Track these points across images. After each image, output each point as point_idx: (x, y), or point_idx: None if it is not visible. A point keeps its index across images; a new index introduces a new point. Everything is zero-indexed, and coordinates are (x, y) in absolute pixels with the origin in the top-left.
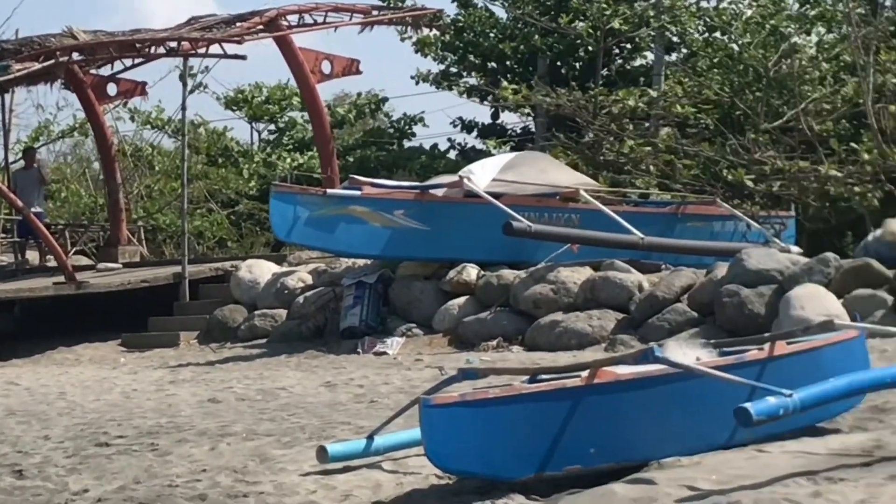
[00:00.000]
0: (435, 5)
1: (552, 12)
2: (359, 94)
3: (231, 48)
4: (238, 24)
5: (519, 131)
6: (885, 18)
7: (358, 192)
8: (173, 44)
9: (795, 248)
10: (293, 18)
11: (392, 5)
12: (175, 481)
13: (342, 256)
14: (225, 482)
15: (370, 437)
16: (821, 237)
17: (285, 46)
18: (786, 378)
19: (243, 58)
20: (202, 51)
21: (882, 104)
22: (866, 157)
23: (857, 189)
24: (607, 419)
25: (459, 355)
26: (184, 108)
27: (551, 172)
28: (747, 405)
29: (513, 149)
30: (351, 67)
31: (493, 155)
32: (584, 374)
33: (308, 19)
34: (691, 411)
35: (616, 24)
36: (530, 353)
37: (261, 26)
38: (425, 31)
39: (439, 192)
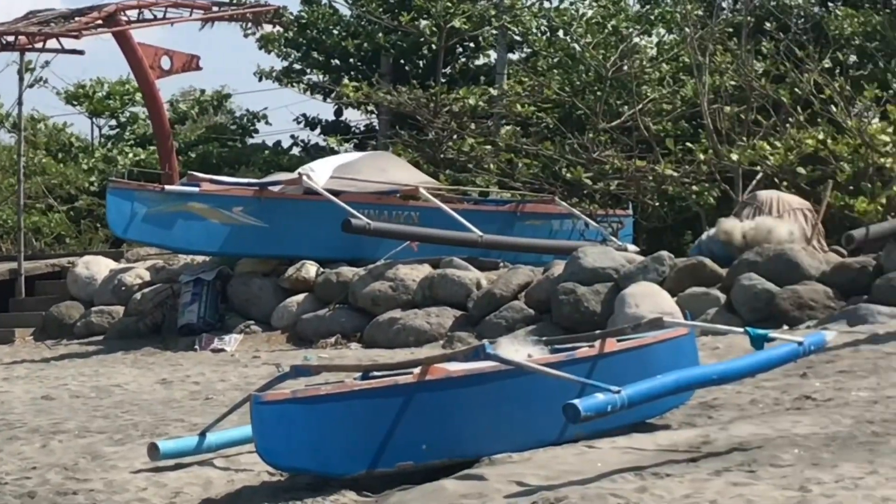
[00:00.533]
0: (278, 2)
1: (395, 10)
2: (202, 91)
3: (69, 43)
4: (77, 18)
5: (362, 129)
6: (722, 20)
7: (196, 189)
8: (10, 38)
9: (632, 247)
10: (133, 14)
11: (234, 2)
12: (4, 479)
13: (180, 253)
14: (55, 479)
15: (202, 435)
16: (660, 236)
17: (124, 42)
18: (615, 375)
19: (81, 52)
20: (39, 45)
21: (718, 105)
22: (701, 156)
23: (694, 188)
24: (439, 416)
25: (297, 352)
26: (20, 102)
27: (392, 171)
28: (576, 401)
29: (356, 146)
30: (191, 63)
31: (336, 152)
32: (416, 371)
33: (148, 15)
34: (522, 408)
35: (457, 22)
36: (368, 350)
37: (99, 21)
38: (267, 27)
39: (279, 189)
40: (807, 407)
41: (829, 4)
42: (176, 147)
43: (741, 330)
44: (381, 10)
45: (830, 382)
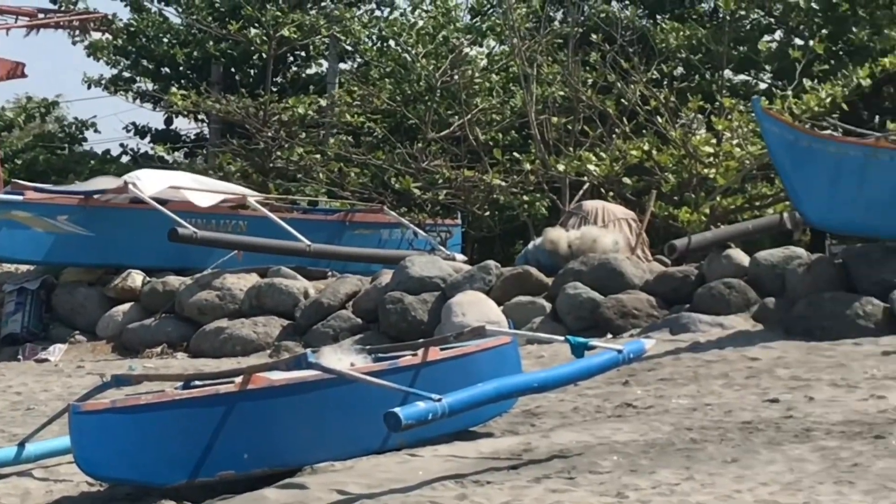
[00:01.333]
0: (108, 9)
1: (226, 19)
2: (29, 98)
3: None
4: None
5: (193, 137)
6: (550, 32)
7: (20, 197)
8: None
9: (460, 256)
10: None
11: (61, 8)
12: None
13: (4, 262)
14: None
15: (21, 445)
16: (490, 245)
17: None
18: (438, 383)
19: None
20: None
21: (546, 115)
22: (529, 166)
23: (525, 198)
24: (260, 425)
25: (123, 362)
26: None
27: (217, 186)
28: (397, 410)
29: (185, 155)
30: (16, 71)
31: (165, 160)
32: (238, 380)
33: None
34: (345, 416)
35: (287, 32)
36: (195, 359)
37: None
38: (96, 35)
39: (105, 198)
40: (628, 414)
41: (656, 17)
42: (1, 155)
43: (562, 338)
44: (210, 18)
45: (651, 390)
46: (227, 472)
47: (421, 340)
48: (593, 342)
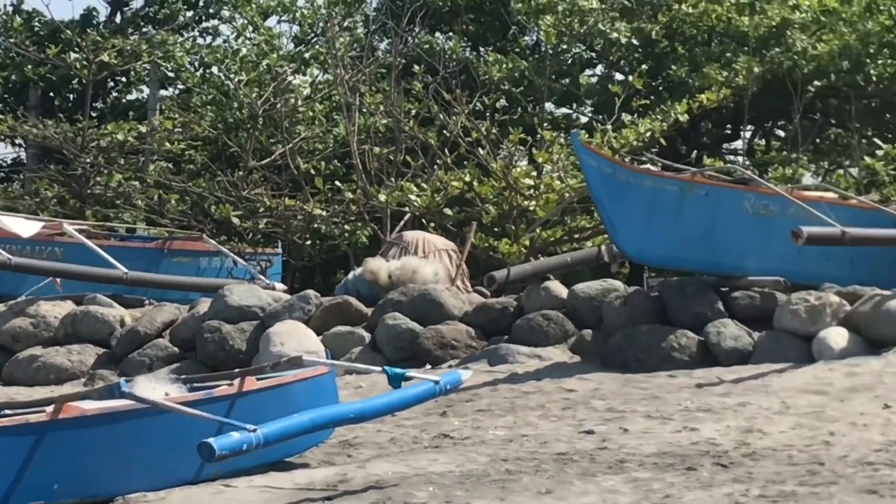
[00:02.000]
0: None
1: (45, 42)
2: None
3: None
4: None
5: (9, 162)
6: (373, 62)
7: None
8: None
9: (280, 286)
10: None
11: None
12: None
13: None
14: None
15: None
16: (311, 275)
17: None
18: (254, 413)
19: None
20: None
21: (368, 145)
22: (350, 196)
23: (346, 227)
24: (71, 454)
25: None
26: None
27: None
28: (211, 440)
29: (2, 180)
30: None
31: None
32: (49, 409)
33: None
34: (159, 446)
35: (107, 57)
36: (7, 388)
37: None
38: None
39: None
40: (445, 445)
41: (480, 49)
42: None
43: (380, 369)
44: (29, 42)
45: (469, 421)
46: (37, 502)
47: (237, 370)
48: (410, 373)
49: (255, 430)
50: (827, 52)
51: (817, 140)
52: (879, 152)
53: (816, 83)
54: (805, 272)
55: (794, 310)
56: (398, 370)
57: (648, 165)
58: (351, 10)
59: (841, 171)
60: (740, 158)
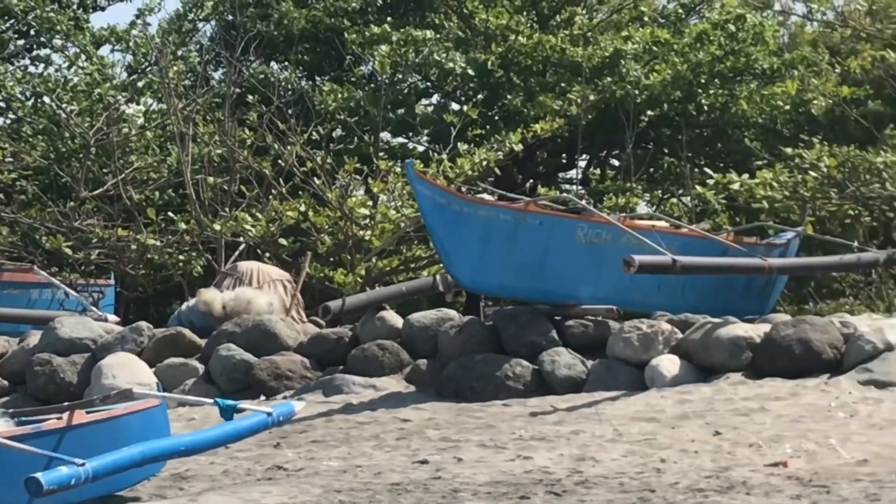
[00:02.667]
0: None
1: None
2: None
3: None
4: None
5: None
6: (208, 91)
7: None
8: None
9: (113, 317)
10: None
11: None
12: None
13: None
14: None
15: None
16: (146, 306)
17: None
18: (84, 447)
19: None
20: None
21: (202, 175)
22: (184, 226)
23: (180, 258)
24: None
25: None
26: None
27: None
28: (38, 475)
29: None
30: None
31: None
32: None
33: None
34: None
35: None
36: None
37: None
38: None
39: None
40: (278, 477)
41: (315, 79)
42: None
43: (211, 401)
44: None
45: (303, 452)
46: None
47: (66, 404)
48: (242, 404)
49: (83, 465)
50: (659, 81)
51: (651, 169)
52: (710, 181)
53: (649, 113)
54: (637, 300)
55: (627, 338)
56: (230, 402)
57: (484, 195)
58: (185, 40)
59: (674, 200)
60: (576, 188)
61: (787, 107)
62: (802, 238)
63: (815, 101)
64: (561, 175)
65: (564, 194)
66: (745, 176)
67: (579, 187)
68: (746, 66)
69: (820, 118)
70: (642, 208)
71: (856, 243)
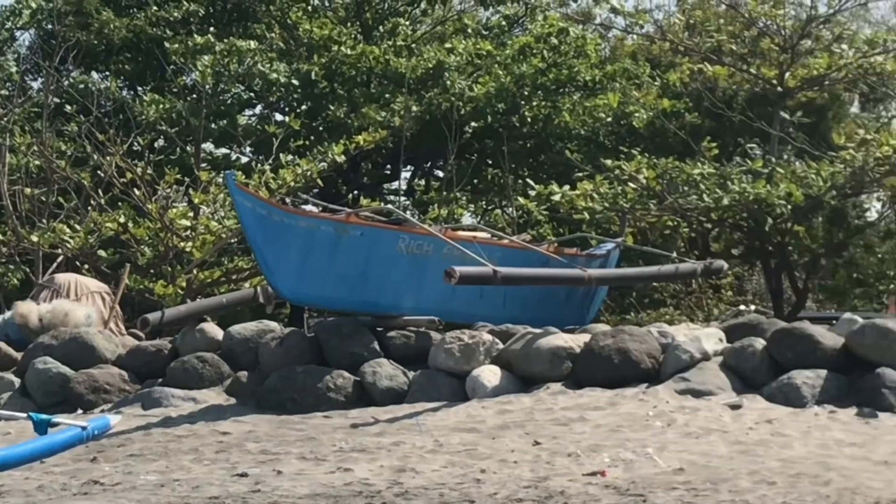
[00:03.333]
0: None
1: None
2: None
3: None
4: None
5: None
6: (26, 100)
7: None
8: None
9: None
10: None
11: None
12: None
13: None
14: None
15: None
16: None
17: None
18: None
19: None
20: None
21: (19, 186)
22: (0, 237)
23: None
24: None
25: None
26: None
27: None
28: None
29: None
30: None
31: None
32: None
33: None
34: None
35: None
36: None
37: None
38: None
39: None
40: (94, 492)
41: (137, 89)
42: None
43: (25, 415)
44: None
45: (120, 466)
46: None
47: None
48: (57, 419)
49: None
50: (483, 93)
51: (475, 180)
52: (532, 192)
53: (473, 124)
54: (459, 311)
55: (449, 349)
56: (43, 416)
57: (311, 206)
58: (2, 48)
59: (498, 211)
60: (400, 199)
61: (609, 119)
62: (623, 249)
63: (636, 114)
64: (386, 186)
65: (386, 205)
66: (567, 187)
67: (404, 198)
68: (569, 78)
69: (641, 130)
70: (467, 219)
71: (674, 254)
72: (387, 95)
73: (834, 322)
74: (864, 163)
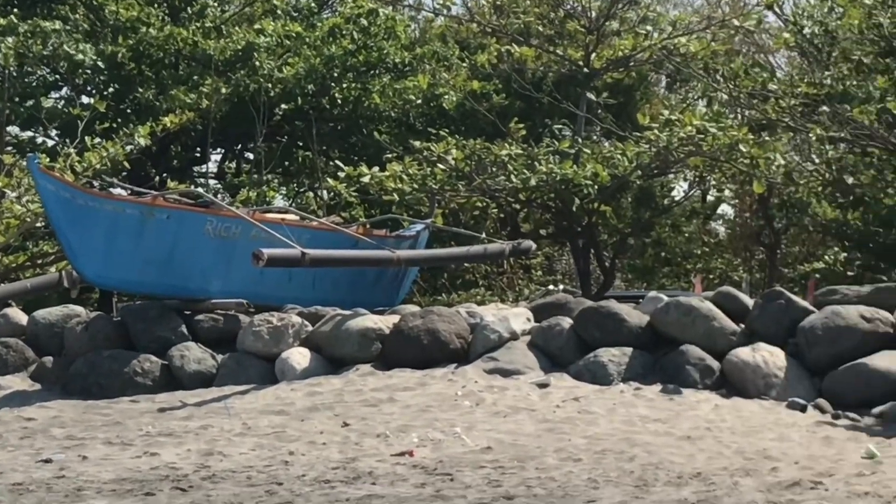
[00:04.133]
0: None
1: None
2: None
3: None
4: None
5: None
6: None
7: None
8: None
9: None
10: None
11: None
12: None
13: None
14: None
15: None
16: None
17: None
18: None
19: None
20: None
21: None
22: None
23: None
24: None
25: None
26: None
27: None
28: None
29: None
30: None
31: None
32: None
33: None
34: None
35: None
36: None
37: None
38: None
39: None
40: None
41: None
42: None
43: None
44: None
45: None
46: None
47: None
48: None
49: None
50: (293, 75)
51: (286, 162)
52: (342, 174)
53: (284, 106)
54: (268, 294)
55: (257, 331)
56: None
57: (120, 190)
58: None
59: (310, 194)
60: (211, 182)
61: (419, 101)
62: (432, 230)
63: (445, 96)
64: (196, 169)
65: (193, 188)
66: (376, 169)
67: (214, 181)
68: (379, 60)
69: (451, 112)
70: (279, 202)
71: (484, 235)
72: (195, 77)
73: (640, 301)
74: (669, 143)
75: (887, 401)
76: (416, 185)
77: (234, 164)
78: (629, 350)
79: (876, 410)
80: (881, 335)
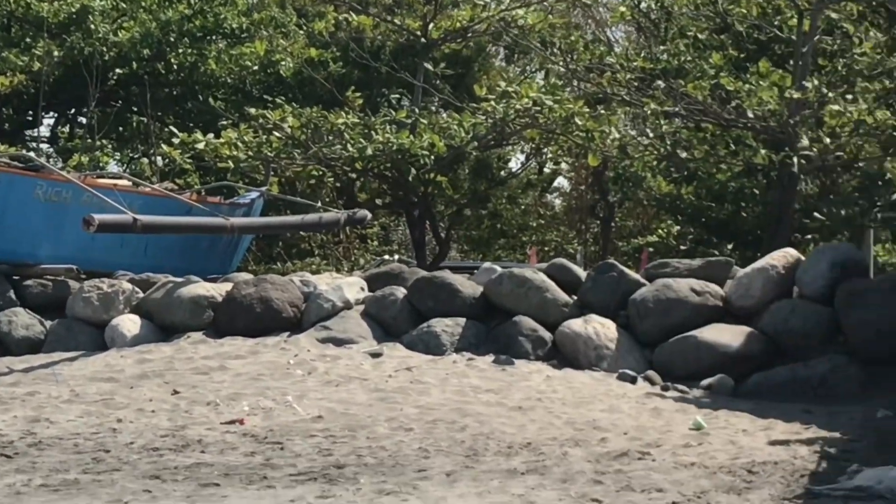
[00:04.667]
0: None
1: None
2: None
3: None
4: None
5: None
6: None
7: None
8: None
9: None
10: None
11: None
12: None
13: None
14: None
15: None
16: None
17: None
18: None
19: None
20: None
21: None
22: None
23: None
24: None
25: None
26: None
27: None
28: None
29: None
30: None
31: None
32: None
33: None
34: None
35: None
36: None
37: None
38: None
39: None
40: None
41: None
42: None
43: None
44: None
45: None
46: None
47: None
48: None
49: None
50: (128, 39)
51: (120, 128)
52: (176, 140)
53: (118, 70)
54: (100, 260)
55: (87, 297)
56: None
57: None
58: None
59: (145, 160)
60: (42, 146)
61: (256, 67)
62: (267, 198)
63: (283, 63)
64: (28, 133)
65: (24, 152)
66: (211, 136)
67: (46, 145)
68: (215, 25)
69: (288, 79)
70: (113, 167)
71: (319, 203)
72: (28, 40)
73: (475, 271)
74: (505, 115)
75: (715, 373)
76: (251, 153)
77: (67, 129)
78: (462, 320)
79: (704, 382)
80: (711, 308)
